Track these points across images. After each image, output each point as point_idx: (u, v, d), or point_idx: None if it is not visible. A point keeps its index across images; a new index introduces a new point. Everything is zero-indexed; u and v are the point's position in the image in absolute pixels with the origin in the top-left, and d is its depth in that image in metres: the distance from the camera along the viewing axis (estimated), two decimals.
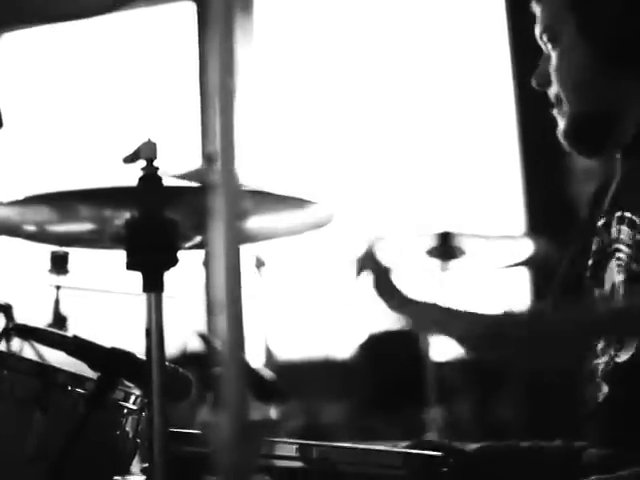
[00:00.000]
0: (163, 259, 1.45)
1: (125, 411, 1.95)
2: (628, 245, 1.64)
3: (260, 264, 2.65)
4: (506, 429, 4.46)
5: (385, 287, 1.71)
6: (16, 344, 2.04)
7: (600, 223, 1.74)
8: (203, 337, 2.41)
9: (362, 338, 4.70)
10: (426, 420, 3.14)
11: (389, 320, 1.75)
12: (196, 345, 2.37)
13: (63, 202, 1.51)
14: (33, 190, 1.46)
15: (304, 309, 4.75)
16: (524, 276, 4.43)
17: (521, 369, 1.81)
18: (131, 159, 1.44)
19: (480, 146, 4.72)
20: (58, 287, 2.38)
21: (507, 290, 4.11)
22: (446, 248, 2.98)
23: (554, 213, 4.35)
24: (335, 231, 1.78)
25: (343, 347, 4.76)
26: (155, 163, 1.45)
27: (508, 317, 1.50)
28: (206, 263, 2.60)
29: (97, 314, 2.75)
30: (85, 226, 1.60)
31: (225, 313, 1.02)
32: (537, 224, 4.44)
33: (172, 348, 2.27)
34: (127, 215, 1.47)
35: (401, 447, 1.78)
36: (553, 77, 1.75)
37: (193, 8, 5.23)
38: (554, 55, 1.75)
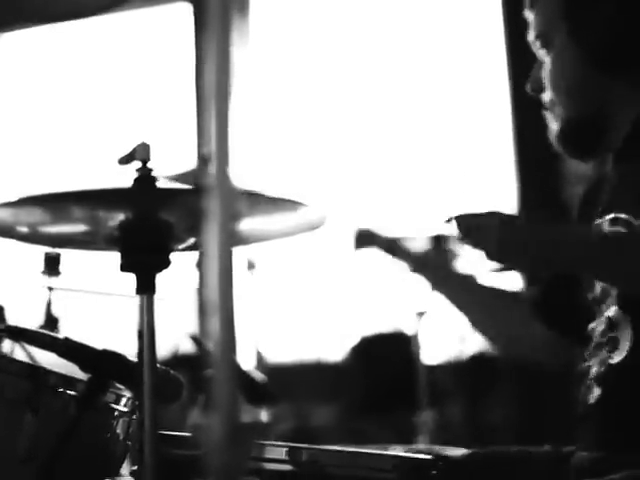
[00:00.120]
0: (157, 261, 1.45)
1: (116, 413, 1.95)
2: None
3: (251, 267, 2.65)
4: (497, 432, 4.47)
5: (397, 250, 1.96)
6: (7, 345, 2.04)
7: (594, 225, 1.75)
8: (194, 339, 2.41)
9: (354, 341, 4.70)
10: (417, 423, 3.14)
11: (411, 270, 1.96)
12: (187, 347, 2.37)
13: (56, 203, 1.51)
14: (26, 191, 1.45)
15: (295, 311, 4.76)
16: (517, 279, 4.43)
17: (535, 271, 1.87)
18: (126, 161, 1.45)
19: (475, 149, 4.73)
20: (50, 289, 2.38)
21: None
22: (440, 252, 2.98)
23: (548, 215, 4.36)
24: (327, 234, 1.78)
25: (334, 350, 4.76)
26: (149, 165, 1.45)
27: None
28: (199, 265, 2.61)
29: (89, 316, 2.75)
30: (78, 227, 1.60)
31: (217, 315, 1.02)
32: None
33: (163, 350, 2.27)
34: (121, 217, 1.47)
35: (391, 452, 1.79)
36: (546, 82, 1.77)
37: (189, 9, 5.23)
38: (547, 61, 1.77)
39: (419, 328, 3.00)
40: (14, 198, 1.47)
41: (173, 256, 1.48)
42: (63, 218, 1.58)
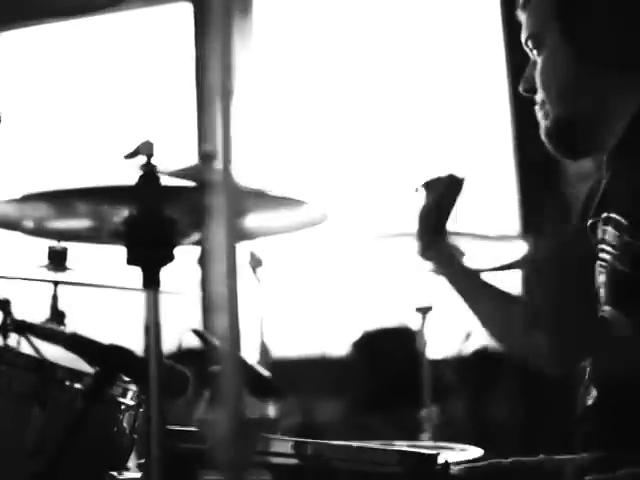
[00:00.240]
0: (161, 255, 1.46)
1: (122, 407, 1.96)
2: (613, 246, 1.65)
3: (257, 263, 2.66)
4: (501, 428, 4.47)
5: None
6: (14, 339, 2.05)
7: (588, 224, 1.76)
8: (199, 334, 2.42)
9: (357, 336, 4.71)
10: (421, 419, 3.15)
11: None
12: (193, 342, 2.38)
13: (62, 199, 1.52)
14: (31, 188, 1.47)
15: (300, 306, 4.76)
16: (517, 278, 4.44)
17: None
18: (131, 158, 1.46)
19: (474, 147, 4.73)
20: (56, 283, 2.39)
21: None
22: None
23: (548, 215, 4.36)
24: (330, 229, 1.79)
25: (339, 345, 4.77)
26: (153, 162, 1.46)
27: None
28: (201, 261, 2.61)
29: (95, 310, 2.77)
30: (84, 223, 1.61)
31: (223, 310, 1.03)
32: (531, 226, 4.45)
33: (169, 345, 2.28)
34: (126, 212, 1.48)
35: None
36: (537, 82, 1.78)
37: (190, 9, 5.24)
38: (539, 61, 1.78)
39: (424, 323, 3.01)
40: (20, 194, 1.48)
41: (177, 251, 1.49)
42: (68, 214, 1.59)
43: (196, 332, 2.40)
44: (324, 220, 1.64)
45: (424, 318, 3.02)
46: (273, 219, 1.67)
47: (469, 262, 2.10)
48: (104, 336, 1.85)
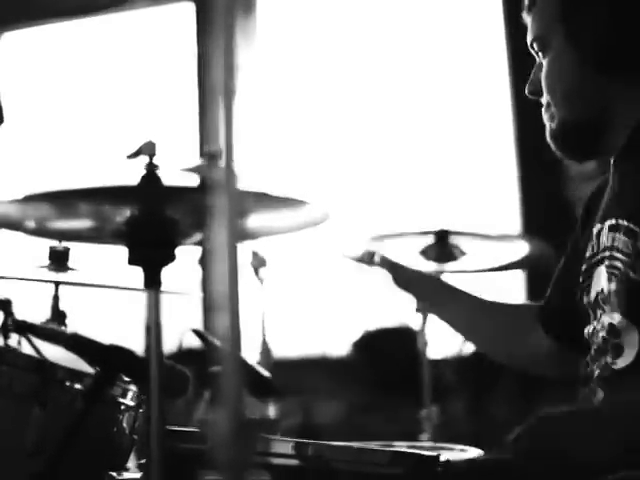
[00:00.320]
0: (163, 255, 1.46)
1: (122, 407, 1.96)
2: (626, 254, 1.64)
3: (260, 263, 2.65)
4: (501, 428, 4.47)
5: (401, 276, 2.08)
6: (15, 340, 2.05)
7: (595, 230, 1.75)
8: (200, 334, 2.42)
9: (357, 335, 4.71)
10: (421, 419, 3.15)
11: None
12: (193, 342, 2.38)
13: (64, 200, 1.52)
14: (33, 188, 1.46)
15: (300, 306, 4.76)
16: (519, 278, 4.44)
17: None
18: (133, 158, 1.46)
19: (476, 147, 4.73)
20: (57, 283, 2.38)
21: (503, 293, 4.12)
22: (443, 248, 2.98)
23: (550, 215, 4.36)
24: (331, 229, 1.79)
25: (340, 345, 4.77)
26: (155, 162, 1.46)
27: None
28: (202, 261, 2.61)
29: (96, 310, 2.77)
30: (86, 223, 1.61)
31: (223, 310, 1.03)
32: (533, 226, 4.45)
33: (170, 345, 2.28)
34: (127, 213, 1.48)
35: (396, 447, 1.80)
36: (543, 85, 1.77)
37: (192, 8, 5.25)
38: (544, 63, 1.77)
39: (424, 323, 3.01)
40: (22, 195, 1.48)
41: (178, 251, 1.49)
42: (70, 214, 1.59)
43: (197, 332, 2.40)
44: (325, 220, 1.64)
45: (424, 318, 3.02)
46: (274, 219, 1.67)
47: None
48: (105, 336, 1.85)
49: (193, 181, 1.51)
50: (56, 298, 2.37)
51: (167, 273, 1.46)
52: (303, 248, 4.20)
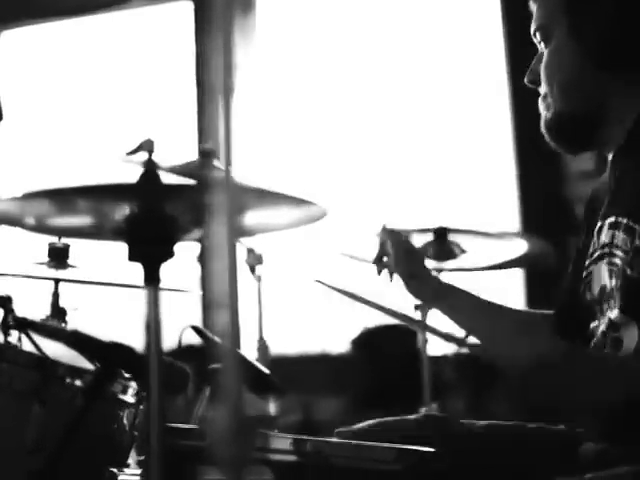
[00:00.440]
0: (162, 252, 1.47)
1: (122, 404, 1.97)
2: (624, 250, 1.65)
3: (257, 261, 2.66)
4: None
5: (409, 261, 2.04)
6: (15, 337, 2.05)
7: (597, 227, 1.76)
8: (199, 331, 2.42)
9: (356, 333, 4.71)
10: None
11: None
12: (193, 339, 2.38)
13: (63, 197, 1.52)
14: (32, 186, 1.47)
15: (300, 303, 4.77)
16: (518, 276, 4.44)
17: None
18: (131, 155, 1.46)
19: (475, 145, 4.73)
20: (57, 280, 2.39)
21: (501, 291, 4.12)
22: (442, 246, 2.97)
23: (548, 213, 4.37)
24: (330, 226, 1.79)
25: (339, 342, 4.77)
26: (154, 159, 1.47)
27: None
28: (200, 258, 2.61)
29: (96, 307, 2.77)
30: (85, 220, 1.61)
31: (223, 307, 1.03)
32: (532, 224, 4.45)
33: (169, 342, 2.29)
34: (127, 210, 1.49)
35: (410, 420, 1.82)
36: (542, 75, 1.77)
37: (191, 7, 5.25)
38: (545, 53, 1.77)
39: (424, 320, 3.01)
40: (22, 192, 1.48)
41: (177, 248, 1.50)
42: (70, 211, 1.59)
43: (196, 329, 2.40)
44: (324, 217, 1.64)
45: (424, 315, 3.02)
46: (273, 216, 1.67)
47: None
48: (105, 333, 1.86)
49: (191, 178, 1.51)
50: (56, 295, 2.38)
51: (166, 270, 1.46)
52: (302, 245, 4.20)
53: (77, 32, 5.47)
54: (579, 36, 1.72)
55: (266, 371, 2.33)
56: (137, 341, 1.68)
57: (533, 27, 1.80)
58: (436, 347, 3.33)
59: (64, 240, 2.33)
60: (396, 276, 2.10)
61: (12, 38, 5.56)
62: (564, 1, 1.74)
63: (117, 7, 5.30)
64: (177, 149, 1.69)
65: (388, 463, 1.49)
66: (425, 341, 3.11)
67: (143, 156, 1.46)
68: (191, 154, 1.65)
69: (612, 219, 1.69)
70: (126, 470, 1.87)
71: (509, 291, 4.30)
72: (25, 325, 1.99)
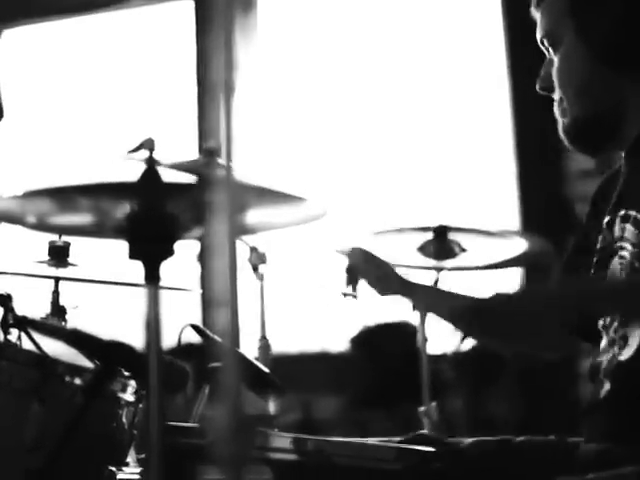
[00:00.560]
0: (162, 250, 1.47)
1: (122, 403, 1.97)
2: (633, 244, 1.65)
3: (260, 259, 2.65)
4: (499, 424, 4.48)
5: (385, 279, 2.04)
6: (15, 335, 2.05)
7: (605, 221, 1.76)
8: (199, 330, 2.42)
9: (356, 331, 4.71)
10: (420, 415, 3.15)
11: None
12: (192, 338, 2.38)
13: (64, 195, 1.52)
14: (33, 184, 1.47)
15: (300, 302, 4.77)
16: (517, 276, 4.44)
17: (503, 351, 1.92)
18: (133, 153, 1.46)
19: (475, 144, 4.73)
20: (57, 278, 2.39)
21: (501, 289, 4.11)
22: (442, 244, 2.97)
23: (549, 212, 4.37)
24: (329, 224, 1.79)
25: (339, 340, 4.77)
26: (155, 158, 1.47)
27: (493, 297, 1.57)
28: (201, 256, 2.61)
29: (96, 305, 2.77)
30: (86, 218, 1.61)
31: (222, 306, 1.04)
32: (532, 222, 4.45)
33: (169, 340, 2.29)
34: (127, 208, 1.49)
35: (395, 441, 1.80)
36: (555, 81, 1.77)
37: (192, 6, 5.26)
38: (555, 59, 1.77)
39: (423, 319, 3.01)
40: (22, 190, 1.48)
41: (178, 247, 1.50)
42: (70, 209, 1.59)
43: (196, 328, 2.40)
44: (324, 216, 1.64)
45: (423, 314, 3.01)
46: (273, 215, 1.68)
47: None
48: (104, 332, 1.86)
49: (192, 177, 1.52)
50: (56, 293, 2.38)
51: (167, 269, 1.46)
52: (302, 243, 4.20)
53: (78, 31, 5.47)
54: (587, 39, 1.72)
55: (266, 370, 2.33)
56: (137, 339, 1.68)
57: (539, 34, 1.80)
58: (435, 346, 3.33)
59: (64, 238, 2.33)
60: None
61: (12, 37, 5.56)
62: (569, 5, 1.74)
63: (118, 6, 5.30)
64: (178, 148, 1.69)
65: (388, 462, 1.49)
66: (424, 340, 3.11)
67: (144, 154, 1.46)
68: (193, 152, 1.65)
69: (623, 212, 1.70)
70: (125, 469, 1.87)
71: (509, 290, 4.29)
72: (25, 323, 1.99)
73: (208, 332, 2.31)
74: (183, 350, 2.26)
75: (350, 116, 4.98)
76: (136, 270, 1.45)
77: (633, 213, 1.66)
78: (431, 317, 2.16)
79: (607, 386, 1.68)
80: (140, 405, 2.00)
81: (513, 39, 4.54)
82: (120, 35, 5.38)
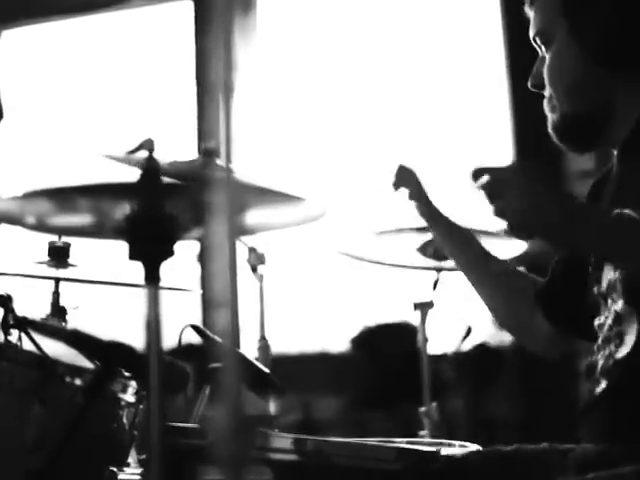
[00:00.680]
0: (162, 250, 1.47)
1: (122, 403, 1.97)
2: None
3: (259, 260, 2.66)
4: (500, 424, 4.48)
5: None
6: (15, 336, 2.05)
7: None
8: (199, 330, 2.42)
9: (356, 331, 4.72)
10: (420, 415, 3.15)
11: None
12: (193, 338, 2.39)
13: (63, 196, 1.52)
14: (33, 184, 1.47)
15: (300, 302, 4.77)
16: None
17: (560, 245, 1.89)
18: (132, 154, 1.46)
19: (474, 143, 4.73)
20: (57, 279, 2.39)
21: None
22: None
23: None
24: (329, 225, 1.79)
25: (339, 341, 4.78)
26: (155, 158, 1.47)
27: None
28: (200, 257, 2.61)
29: (96, 306, 2.77)
30: (85, 219, 1.61)
31: (223, 306, 1.04)
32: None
33: (170, 341, 2.29)
34: (127, 208, 1.49)
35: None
36: (545, 78, 1.78)
37: (191, 6, 5.26)
38: (547, 57, 1.78)
39: (424, 319, 3.01)
40: (22, 191, 1.48)
41: (178, 247, 1.50)
42: (70, 210, 1.59)
43: (196, 328, 2.40)
44: (324, 216, 1.64)
45: (424, 314, 3.02)
46: (273, 215, 1.68)
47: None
48: (105, 332, 1.86)
49: (193, 177, 1.52)
50: (56, 294, 2.38)
51: (167, 269, 1.46)
52: (301, 244, 4.20)
53: (77, 31, 5.47)
54: (580, 38, 1.72)
55: (266, 370, 2.33)
56: (137, 340, 1.68)
57: (532, 32, 1.81)
58: (436, 346, 3.33)
59: (64, 239, 2.33)
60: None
61: (12, 37, 5.56)
62: (562, 4, 1.75)
63: (117, 6, 5.31)
64: (177, 148, 1.69)
65: (388, 462, 1.49)
66: (425, 340, 3.11)
67: (143, 155, 1.46)
68: (192, 153, 1.65)
69: (617, 211, 1.70)
70: (126, 469, 1.87)
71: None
72: (25, 324, 1.99)
73: (208, 333, 2.31)
74: (183, 351, 2.26)
75: (349, 116, 4.98)
76: (136, 271, 1.45)
77: (627, 212, 1.67)
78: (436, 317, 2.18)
79: (603, 384, 1.68)
80: (140, 406, 2.01)
81: (512, 38, 4.54)
82: (119, 35, 5.38)
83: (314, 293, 4.73)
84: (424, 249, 2.92)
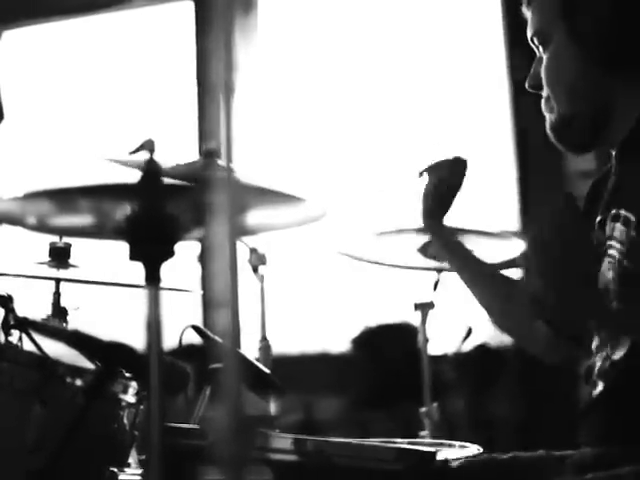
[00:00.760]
0: (163, 251, 1.47)
1: (123, 404, 1.97)
2: (621, 242, 1.66)
3: (260, 261, 2.66)
4: (500, 424, 4.48)
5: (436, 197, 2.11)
6: (16, 336, 2.05)
7: (597, 220, 1.76)
8: (200, 331, 2.42)
9: (357, 332, 4.72)
10: (421, 416, 3.15)
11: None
12: (193, 339, 2.39)
13: (64, 197, 1.52)
14: (34, 185, 1.47)
15: (301, 303, 4.77)
16: (517, 276, 4.44)
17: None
18: (133, 155, 1.46)
19: (475, 144, 4.73)
20: (58, 279, 2.39)
21: None
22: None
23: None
24: (329, 225, 1.79)
25: (340, 341, 4.77)
26: (155, 159, 1.47)
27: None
28: (201, 257, 2.61)
29: (97, 307, 2.77)
30: (86, 219, 1.61)
31: (223, 307, 1.04)
32: (531, 224, 4.45)
33: (170, 341, 2.29)
34: (128, 209, 1.49)
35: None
36: (543, 78, 1.78)
37: (192, 7, 5.26)
38: (545, 58, 1.78)
39: (424, 320, 3.01)
40: (23, 192, 1.48)
41: (178, 248, 1.50)
42: (71, 211, 1.59)
43: (196, 329, 2.40)
44: (324, 216, 1.64)
45: (424, 314, 3.02)
46: (274, 216, 1.68)
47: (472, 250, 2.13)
48: (105, 333, 1.86)
49: (194, 178, 1.52)
50: (57, 295, 2.38)
51: (167, 270, 1.46)
52: (302, 244, 4.20)
53: (78, 32, 5.48)
54: (578, 38, 1.72)
55: (266, 370, 2.33)
56: (138, 341, 1.68)
57: (530, 32, 1.81)
58: (436, 346, 3.33)
59: (65, 240, 2.33)
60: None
61: (13, 38, 5.56)
62: (560, 4, 1.74)
63: (118, 7, 5.31)
64: (178, 149, 1.69)
65: (388, 463, 1.49)
66: (425, 340, 3.11)
67: (144, 156, 1.46)
68: (193, 153, 1.65)
69: (613, 212, 1.70)
70: (126, 470, 1.87)
71: None
72: (26, 324, 1.99)
73: (209, 333, 2.31)
74: (184, 351, 2.26)
75: (350, 117, 4.98)
76: (137, 271, 1.45)
77: (623, 212, 1.67)
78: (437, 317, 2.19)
79: (600, 386, 1.68)
80: (141, 406, 2.01)
81: (513, 39, 4.54)
82: (120, 36, 5.38)
83: (315, 293, 4.73)
84: (424, 250, 2.91)
